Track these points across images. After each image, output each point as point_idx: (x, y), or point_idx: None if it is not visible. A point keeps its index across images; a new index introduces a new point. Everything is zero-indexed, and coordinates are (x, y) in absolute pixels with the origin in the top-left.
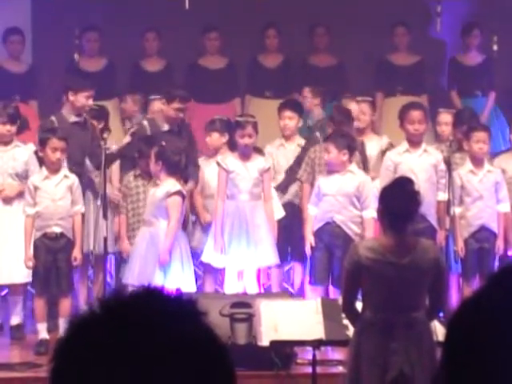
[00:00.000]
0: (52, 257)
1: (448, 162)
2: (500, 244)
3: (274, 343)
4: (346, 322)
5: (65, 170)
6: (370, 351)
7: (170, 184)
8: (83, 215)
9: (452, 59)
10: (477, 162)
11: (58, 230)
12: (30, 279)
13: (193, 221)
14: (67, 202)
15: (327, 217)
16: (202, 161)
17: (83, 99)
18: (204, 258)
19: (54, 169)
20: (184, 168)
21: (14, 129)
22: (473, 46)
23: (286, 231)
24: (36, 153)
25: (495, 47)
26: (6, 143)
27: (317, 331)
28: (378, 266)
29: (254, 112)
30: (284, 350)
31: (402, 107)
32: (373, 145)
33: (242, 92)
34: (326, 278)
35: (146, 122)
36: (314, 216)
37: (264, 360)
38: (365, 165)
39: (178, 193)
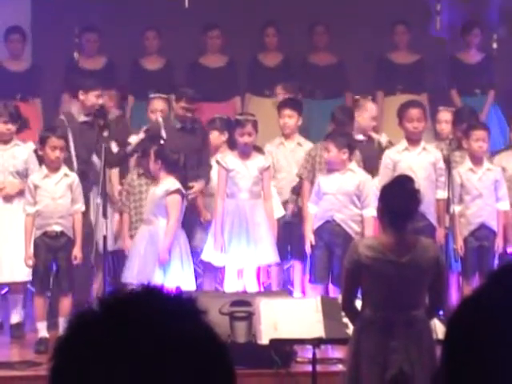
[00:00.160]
0: (52, 255)
1: (447, 161)
2: (500, 242)
3: (273, 341)
4: (345, 320)
5: (65, 169)
6: (370, 349)
7: (169, 182)
8: (83, 214)
9: (452, 58)
10: (476, 160)
11: (58, 228)
12: (30, 278)
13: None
14: (67, 200)
15: (327, 215)
16: None
17: (93, 98)
18: (204, 257)
19: (54, 167)
20: (183, 166)
21: (14, 128)
22: (473, 45)
23: (286, 230)
24: (36, 151)
25: (495, 45)
26: (6, 142)
27: (317, 329)
28: (378, 265)
29: (254, 110)
30: (284, 349)
31: (400, 105)
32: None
33: (241, 90)
34: (325, 276)
35: (160, 120)
36: (314, 214)
37: (264, 358)
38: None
39: (178, 191)
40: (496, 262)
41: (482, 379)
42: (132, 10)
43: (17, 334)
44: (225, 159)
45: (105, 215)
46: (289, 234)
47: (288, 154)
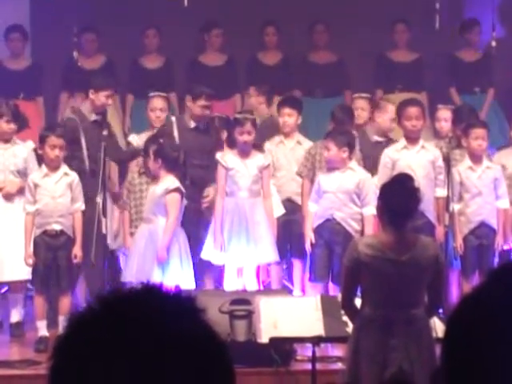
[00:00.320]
0: (52, 254)
1: (447, 159)
2: (500, 240)
3: (273, 340)
4: (345, 318)
5: (64, 168)
6: (370, 348)
7: (169, 181)
8: (83, 212)
9: (451, 56)
10: (475, 158)
11: (57, 227)
12: (31, 277)
13: None
14: (67, 199)
15: (327, 214)
16: None
17: (103, 98)
18: (203, 255)
19: (54, 166)
20: (183, 164)
21: (15, 127)
22: (472, 43)
23: (286, 228)
24: (36, 150)
25: (494, 43)
26: (7, 141)
27: (316, 328)
28: (377, 263)
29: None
30: (283, 347)
31: (399, 104)
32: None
33: (241, 89)
34: (325, 274)
35: (173, 119)
36: (314, 213)
37: (263, 357)
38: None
39: (177, 190)
40: (496, 260)
41: (481, 377)
42: (131, 9)
43: (17, 333)
44: (224, 158)
45: (104, 214)
46: (288, 233)
47: (288, 152)
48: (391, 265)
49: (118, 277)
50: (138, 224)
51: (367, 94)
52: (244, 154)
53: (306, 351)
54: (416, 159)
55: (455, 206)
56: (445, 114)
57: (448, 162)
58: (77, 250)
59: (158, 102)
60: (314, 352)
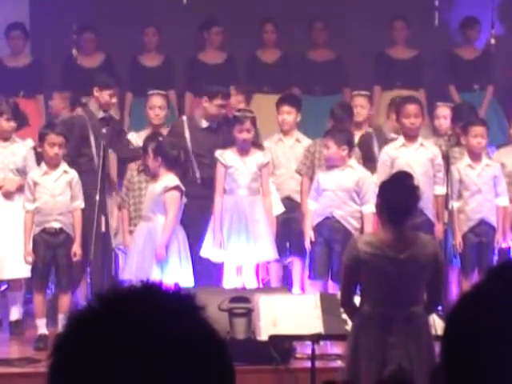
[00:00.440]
0: (51, 252)
1: (446, 157)
2: (499, 238)
3: (272, 338)
4: (344, 316)
5: (64, 166)
6: (369, 346)
7: (168, 179)
8: (83, 210)
9: (450, 53)
10: (475, 156)
11: (57, 225)
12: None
13: None
14: (66, 197)
15: (327, 212)
16: None
17: (107, 97)
18: (203, 253)
19: (53, 164)
20: (183, 162)
21: (15, 125)
22: (472, 40)
23: (285, 226)
24: (35, 148)
25: (493, 41)
26: (6, 139)
27: (316, 326)
28: (377, 261)
29: (253, 107)
30: (283, 345)
31: (397, 102)
32: None
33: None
34: (325, 272)
35: (184, 118)
36: (314, 211)
37: (263, 355)
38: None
39: (177, 188)
40: (495, 257)
41: (481, 375)
42: (130, 8)
43: (16, 331)
44: (223, 155)
45: (104, 212)
46: (288, 231)
47: (287, 150)
48: (390, 263)
49: (117, 275)
50: (137, 222)
51: (366, 92)
52: (243, 151)
53: (305, 349)
54: (415, 157)
55: (454, 204)
56: (444, 112)
57: (447, 159)
58: (76, 248)
59: (157, 100)
60: (313, 350)
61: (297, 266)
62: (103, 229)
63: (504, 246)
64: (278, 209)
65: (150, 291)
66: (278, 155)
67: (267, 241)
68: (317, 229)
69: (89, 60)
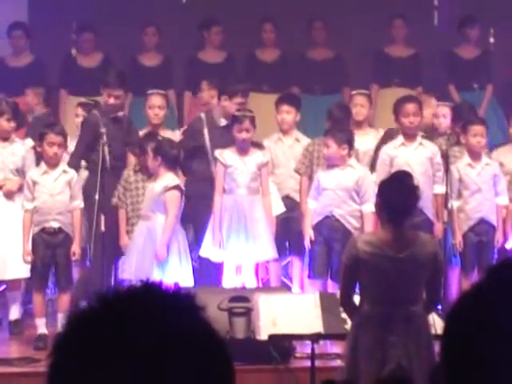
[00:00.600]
0: (51, 252)
1: (446, 156)
2: (499, 237)
3: (272, 337)
4: (344, 315)
5: (64, 165)
6: (368, 345)
7: (168, 178)
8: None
9: (450, 53)
10: (474, 155)
11: (56, 224)
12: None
13: None
14: (66, 196)
15: (327, 211)
16: None
17: (112, 99)
18: (202, 253)
19: (53, 164)
20: (182, 161)
21: (15, 125)
22: (472, 39)
23: (284, 225)
24: (35, 148)
25: (491, 40)
26: (6, 139)
27: (315, 325)
28: (376, 260)
29: (252, 106)
30: (283, 344)
31: (396, 101)
32: (370, 138)
33: None
34: (325, 271)
35: (203, 116)
36: (314, 210)
37: (263, 354)
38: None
39: (177, 187)
40: (495, 256)
41: (481, 374)
42: (129, 6)
43: (16, 331)
44: (223, 155)
45: (103, 211)
46: (287, 230)
47: (286, 149)
48: (390, 262)
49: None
50: (135, 221)
51: (366, 91)
52: (243, 151)
53: (305, 348)
54: (414, 156)
55: (454, 203)
56: (443, 111)
57: (447, 158)
58: (75, 248)
59: (156, 100)
60: (313, 349)
61: (296, 265)
62: (103, 228)
63: (508, 246)
64: (279, 208)
65: (150, 291)
66: (278, 154)
67: (267, 240)
68: (316, 228)
69: (88, 60)
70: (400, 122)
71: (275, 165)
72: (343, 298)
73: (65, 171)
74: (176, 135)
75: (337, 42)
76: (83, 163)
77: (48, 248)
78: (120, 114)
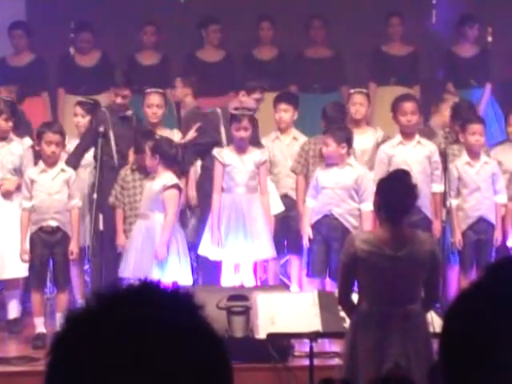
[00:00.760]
0: (48, 251)
1: (444, 154)
2: (498, 235)
3: (270, 336)
4: (342, 314)
5: (62, 164)
6: (367, 343)
7: (167, 177)
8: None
9: (448, 51)
10: (473, 153)
11: (53, 223)
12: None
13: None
14: (63, 195)
15: (325, 209)
16: None
17: (119, 98)
18: (201, 252)
19: (51, 162)
20: (181, 160)
21: (13, 124)
22: (470, 38)
23: (283, 224)
24: (33, 147)
25: (490, 38)
26: (4, 138)
27: (314, 323)
28: (374, 259)
29: None
30: (281, 343)
31: (394, 99)
32: (368, 137)
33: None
34: (323, 270)
35: (219, 111)
36: (312, 208)
37: (261, 353)
38: None
39: (175, 186)
40: (494, 255)
41: (479, 372)
42: (127, 5)
43: (14, 330)
44: (221, 154)
45: (101, 210)
46: (285, 229)
47: (284, 148)
48: (388, 260)
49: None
50: (133, 220)
51: (365, 89)
52: (241, 149)
53: (303, 347)
54: (412, 155)
55: (453, 202)
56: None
57: (445, 157)
58: (73, 247)
59: (154, 98)
60: (311, 348)
61: (295, 263)
62: (101, 227)
63: (509, 244)
64: (278, 208)
65: (148, 290)
66: (275, 153)
67: (265, 239)
68: (315, 227)
69: (86, 59)
70: (398, 121)
71: (273, 163)
72: (341, 296)
73: (63, 170)
74: (174, 134)
75: (335, 41)
76: (92, 162)
77: (46, 247)
78: (129, 113)
